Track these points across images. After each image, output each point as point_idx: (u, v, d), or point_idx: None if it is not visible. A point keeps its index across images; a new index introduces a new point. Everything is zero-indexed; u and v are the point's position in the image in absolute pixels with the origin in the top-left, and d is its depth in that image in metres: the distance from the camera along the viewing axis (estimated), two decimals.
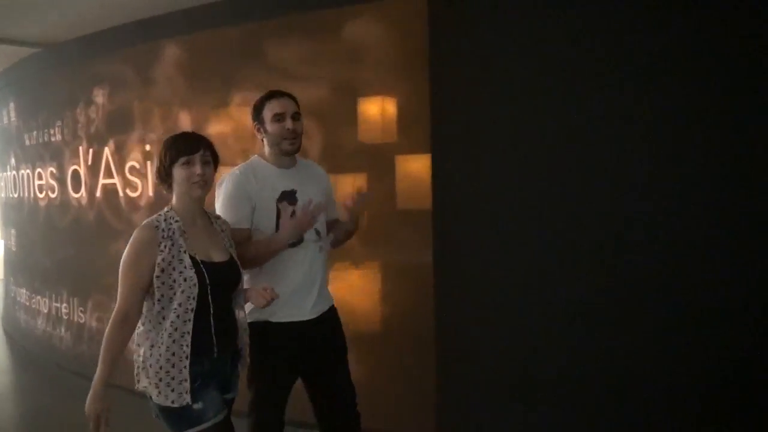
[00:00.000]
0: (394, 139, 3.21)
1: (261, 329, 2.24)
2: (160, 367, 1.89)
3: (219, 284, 1.96)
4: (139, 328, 1.95)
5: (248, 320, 2.23)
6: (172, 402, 1.88)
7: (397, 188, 3.20)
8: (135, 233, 1.93)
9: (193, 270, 1.90)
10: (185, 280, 1.89)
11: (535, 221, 3.03)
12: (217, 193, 2.28)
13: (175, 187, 1.99)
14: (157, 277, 1.89)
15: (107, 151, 4.28)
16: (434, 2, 3.08)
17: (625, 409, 2.97)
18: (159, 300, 1.91)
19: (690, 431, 2.91)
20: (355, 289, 3.33)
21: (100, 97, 4.32)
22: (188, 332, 1.90)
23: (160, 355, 1.89)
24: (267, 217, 2.26)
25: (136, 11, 3.97)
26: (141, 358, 1.94)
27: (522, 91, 3.02)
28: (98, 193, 4.39)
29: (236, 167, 2.33)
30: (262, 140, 2.35)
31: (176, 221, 1.95)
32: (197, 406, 1.91)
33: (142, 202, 4.08)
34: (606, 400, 2.98)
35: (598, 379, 2.97)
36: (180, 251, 1.91)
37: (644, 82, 2.84)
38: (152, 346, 1.91)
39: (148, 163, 4.03)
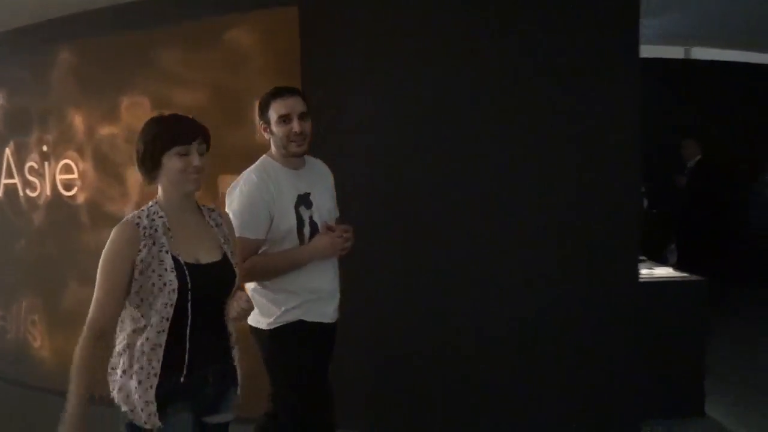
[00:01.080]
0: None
1: (293, 330, 2.16)
2: (132, 384, 1.66)
3: (205, 289, 1.72)
4: (119, 335, 1.72)
5: (276, 324, 2.16)
6: (144, 422, 1.66)
7: None
8: (114, 231, 1.68)
9: (174, 273, 1.66)
10: (164, 284, 1.65)
11: (399, 217, 3.26)
12: (228, 200, 2.17)
13: (163, 178, 1.72)
14: (135, 280, 1.66)
15: (8, 152, 4.34)
16: (306, 12, 3.26)
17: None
18: (138, 306, 1.68)
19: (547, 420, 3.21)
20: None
21: (0, 98, 4.37)
22: (160, 345, 1.66)
23: (132, 368, 1.66)
24: (287, 225, 2.15)
25: (35, 14, 4.04)
26: (114, 369, 1.72)
27: (389, 96, 3.24)
28: (0, 193, 4.45)
29: (251, 170, 2.21)
30: (269, 140, 2.25)
31: (160, 217, 1.71)
32: (159, 428, 1.68)
33: (41, 202, 4.16)
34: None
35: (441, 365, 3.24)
36: (161, 251, 1.67)
37: (483, 85, 3.16)
38: (124, 352, 1.69)
39: (46, 163, 4.11)
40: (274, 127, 2.19)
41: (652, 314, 3.34)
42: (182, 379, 1.70)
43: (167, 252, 1.67)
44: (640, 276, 3.54)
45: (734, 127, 6.52)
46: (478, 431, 3.23)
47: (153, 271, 1.65)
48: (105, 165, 3.78)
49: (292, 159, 2.23)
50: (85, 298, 1.73)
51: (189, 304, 1.68)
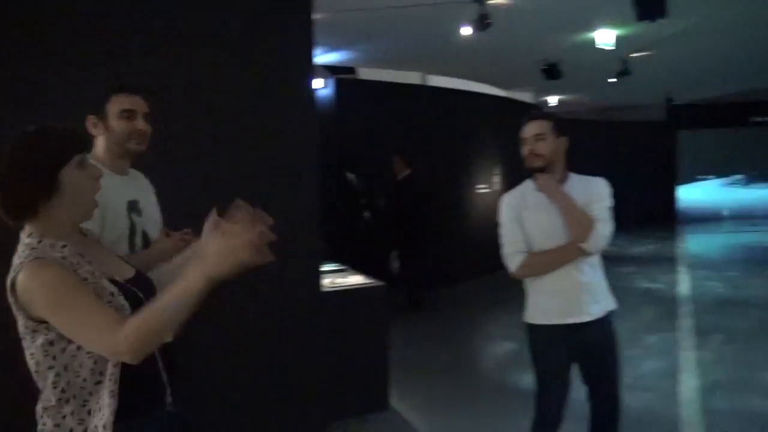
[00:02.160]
0: None
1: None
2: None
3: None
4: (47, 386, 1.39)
5: None
6: None
7: None
8: (37, 273, 1.31)
9: (122, 295, 1.39)
10: (118, 309, 1.36)
11: None
12: None
13: (57, 201, 1.37)
14: None
15: None
16: None
17: None
18: (67, 343, 1.35)
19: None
20: None
21: None
22: (113, 378, 1.36)
23: (64, 418, 1.36)
24: (119, 230, 1.99)
25: None
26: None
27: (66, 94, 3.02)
28: None
29: None
30: (96, 138, 2.03)
31: (63, 246, 1.37)
32: None
33: None
34: None
35: None
36: (95, 278, 1.37)
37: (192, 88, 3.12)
38: (56, 408, 1.38)
39: None
40: (113, 122, 2.02)
41: (339, 319, 3.62)
42: (168, 399, 1.51)
43: (100, 276, 1.39)
44: (334, 285, 3.85)
45: (450, 145, 7.48)
46: None
47: (107, 302, 1.36)
48: None
49: (119, 163, 2.08)
50: None
51: None
